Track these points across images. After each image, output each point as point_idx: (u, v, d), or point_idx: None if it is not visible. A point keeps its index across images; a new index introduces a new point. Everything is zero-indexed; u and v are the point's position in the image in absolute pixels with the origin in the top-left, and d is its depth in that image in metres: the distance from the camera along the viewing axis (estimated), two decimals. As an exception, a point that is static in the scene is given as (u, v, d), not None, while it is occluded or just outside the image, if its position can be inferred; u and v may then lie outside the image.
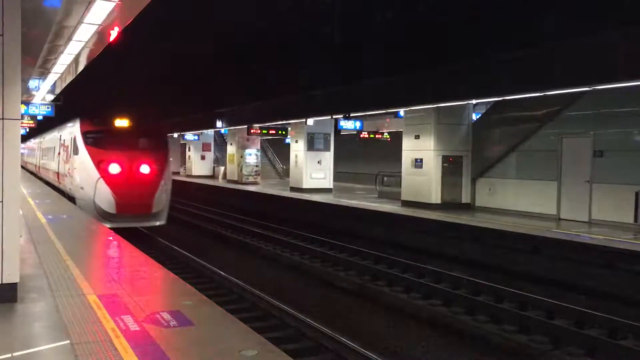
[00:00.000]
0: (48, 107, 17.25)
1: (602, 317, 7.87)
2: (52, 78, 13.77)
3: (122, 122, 14.52)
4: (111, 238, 9.92)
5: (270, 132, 25.83)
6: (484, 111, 17.76)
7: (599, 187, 12.94)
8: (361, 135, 24.36)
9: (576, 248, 10.57)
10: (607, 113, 12.93)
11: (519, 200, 14.94)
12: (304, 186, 22.46)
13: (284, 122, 23.99)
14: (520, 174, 15.14)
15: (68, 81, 14.92)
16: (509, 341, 7.47)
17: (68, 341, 4.60)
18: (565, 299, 8.84)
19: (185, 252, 12.61)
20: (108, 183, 13.21)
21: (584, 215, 13.19)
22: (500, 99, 14.33)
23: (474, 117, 17.31)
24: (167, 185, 14.29)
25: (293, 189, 22.93)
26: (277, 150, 35.87)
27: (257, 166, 27.91)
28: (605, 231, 11.64)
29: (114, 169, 13.41)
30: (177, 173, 38.12)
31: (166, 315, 5.35)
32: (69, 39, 8.93)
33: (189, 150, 34.79)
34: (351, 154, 29.42)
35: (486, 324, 8.14)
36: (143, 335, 4.79)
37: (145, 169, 13.68)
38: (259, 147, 28.32)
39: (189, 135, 32.91)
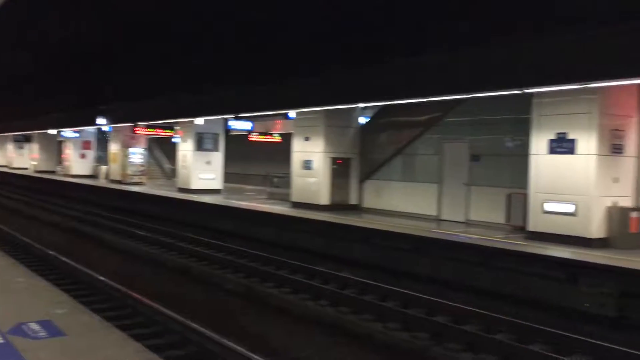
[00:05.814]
0: None
1: (478, 313, 8.34)
2: None
3: None
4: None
5: (157, 131, 24.96)
6: (372, 115, 18.23)
7: (476, 189, 13.76)
8: (251, 136, 24.19)
9: (453, 247, 11.12)
10: (481, 120, 13.78)
11: (403, 201, 15.51)
12: (193, 187, 21.91)
13: (172, 120, 23.27)
14: (405, 176, 15.74)
15: None
16: (393, 338, 7.69)
17: None
18: (445, 297, 9.27)
19: (59, 256, 11.79)
20: None
21: (461, 216, 13.96)
22: (388, 103, 14.81)
23: (363, 120, 17.75)
24: None
25: (181, 190, 22.30)
26: (164, 149, 34.72)
27: (142, 166, 26.86)
28: (480, 231, 12.37)
29: None
30: (53, 172, 35.77)
31: (35, 326, 4.93)
32: None
33: (68, 149, 32.73)
34: (242, 155, 29.14)
35: (371, 323, 8.33)
36: (7, 349, 4.37)
37: None
38: (145, 146, 27.26)
39: (68, 132, 30.96)
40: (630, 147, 11.05)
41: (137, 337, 5.81)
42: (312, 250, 13.56)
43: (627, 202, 10.92)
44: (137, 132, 24.32)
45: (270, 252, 12.93)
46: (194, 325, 7.30)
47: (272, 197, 19.95)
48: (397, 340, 7.66)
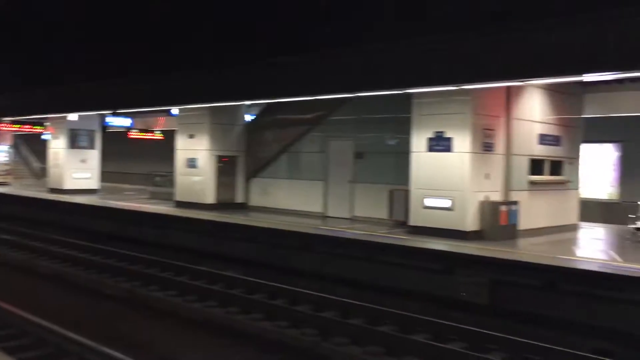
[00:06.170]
0: None
1: (364, 306, 8.56)
2: None
3: None
4: None
5: (24, 127, 23.16)
6: (257, 112, 18.14)
7: (360, 186, 14.13)
8: (131, 133, 23.17)
9: (338, 243, 11.33)
10: (365, 119, 14.17)
11: (290, 199, 15.58)
12: (66, 187, 20.58)
13: (41, 116, 21.70)
14: (291, 174, 15.82)
15: None
16: (283, 336, 7.68)
17: None
18: (332, 292, 9.42)
19: None
20: None
21: (347, 212, 14.27)
22: (274, 101, 14.81)
23: (249, 118, 17.60)
24: None
25: (53, 190, 20.85)
26: (33, 147, 32.24)
27: (7, 165, 24.81)
28: (364, 227, 12.72)
29: None
30: None
31: None
32: None
33: None
34: (121, 153, 27.87)
35: (261, 322, 8.27)
36: None
37: None
38: (10, 143, 25.18)
39: None
40: (499, 145, 11.88)
41: (8, 351, 5.32)
42: (199, 250, 13.24)
43: (497, 196, 11.73)
44: (1, 128, 22.44)
45: (153, 253, 12.44)
46: (71, 334, 6.81)
47: (154, 196, 19.25)
48: (286, 337, 7.66)
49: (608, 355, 6.80)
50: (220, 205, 16.01)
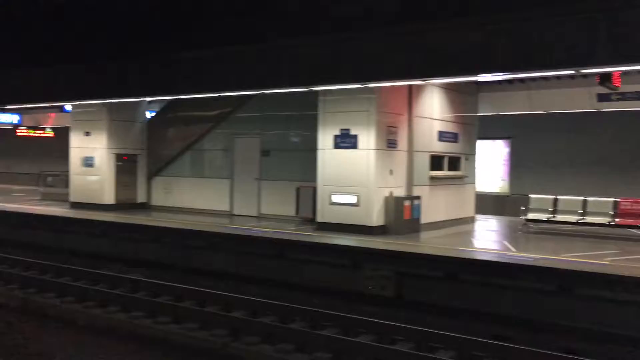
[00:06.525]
0: None
1: (274, 304, 8.52)
2: None
3: None
4: None
5: None
6: (159, 109, 17.55)
7: (267, 183, 14.06)
8: (20, 130, 21.65)
9: (245, 241, 11.21)
10: (270, 116, 14.11)
11: (195, 198, 15.22)
12: (-57, 189, 18.90)
13: None
14: (196, 172, 15.46)
15: None
16: (191, 339, 7.47)
17: None
18: (240, 291, 9.31)
19: None
20: None
21: (254, 210, 14.15)
22: (176, 97, 14.40)
23: (150, 114, 16.99)
24: None
25: None
26: None
27: None
28: (272, 224, 12.67)
29: None
30: None
31: None
32: None
33: None
34: (8, 151, 26.00)
35: (168, 325, 8.00)
36: None
37: None
38: None
39: None
40: (402, 142, 12.25)
41: None
42: (97, 254, 12.63)
43: (400, 192, 12.10)
44: None
45: (47, 258, 11.72)
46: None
47: (46, 197, 18.17)
48: (194, 340, 7.46)
49: (506, 340, 7.19)
50: (120, 206, 15.37)
